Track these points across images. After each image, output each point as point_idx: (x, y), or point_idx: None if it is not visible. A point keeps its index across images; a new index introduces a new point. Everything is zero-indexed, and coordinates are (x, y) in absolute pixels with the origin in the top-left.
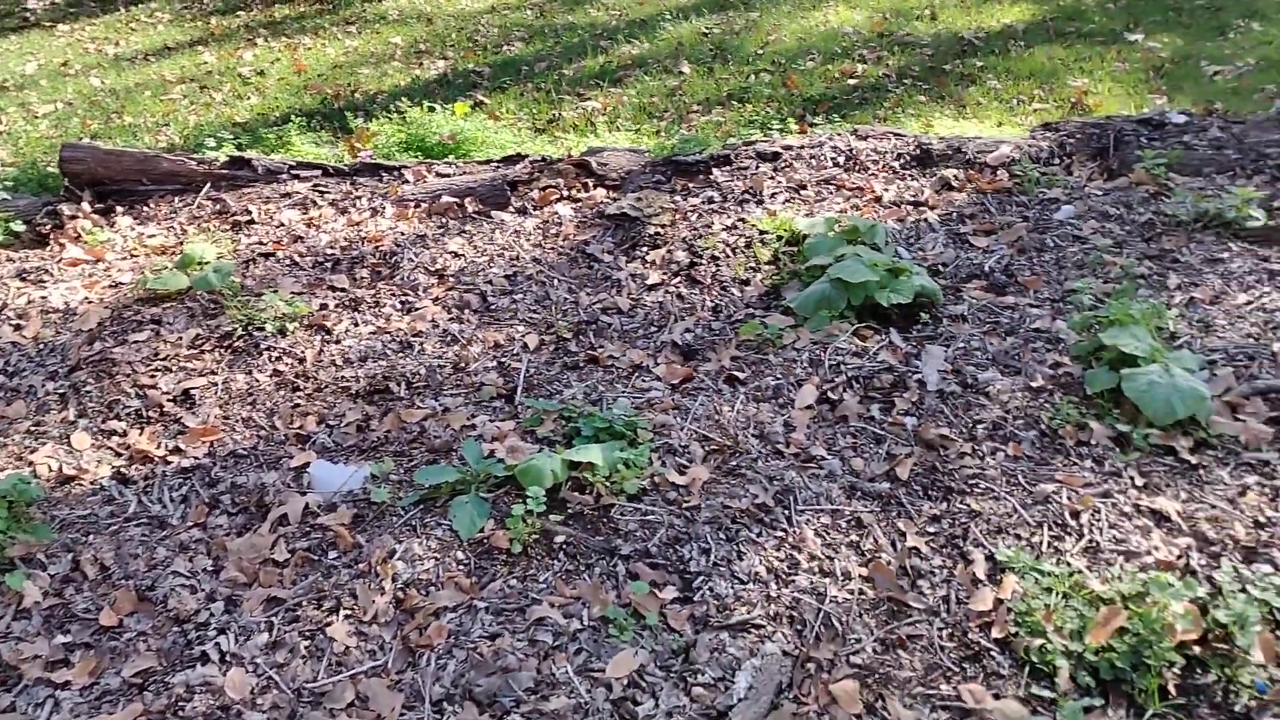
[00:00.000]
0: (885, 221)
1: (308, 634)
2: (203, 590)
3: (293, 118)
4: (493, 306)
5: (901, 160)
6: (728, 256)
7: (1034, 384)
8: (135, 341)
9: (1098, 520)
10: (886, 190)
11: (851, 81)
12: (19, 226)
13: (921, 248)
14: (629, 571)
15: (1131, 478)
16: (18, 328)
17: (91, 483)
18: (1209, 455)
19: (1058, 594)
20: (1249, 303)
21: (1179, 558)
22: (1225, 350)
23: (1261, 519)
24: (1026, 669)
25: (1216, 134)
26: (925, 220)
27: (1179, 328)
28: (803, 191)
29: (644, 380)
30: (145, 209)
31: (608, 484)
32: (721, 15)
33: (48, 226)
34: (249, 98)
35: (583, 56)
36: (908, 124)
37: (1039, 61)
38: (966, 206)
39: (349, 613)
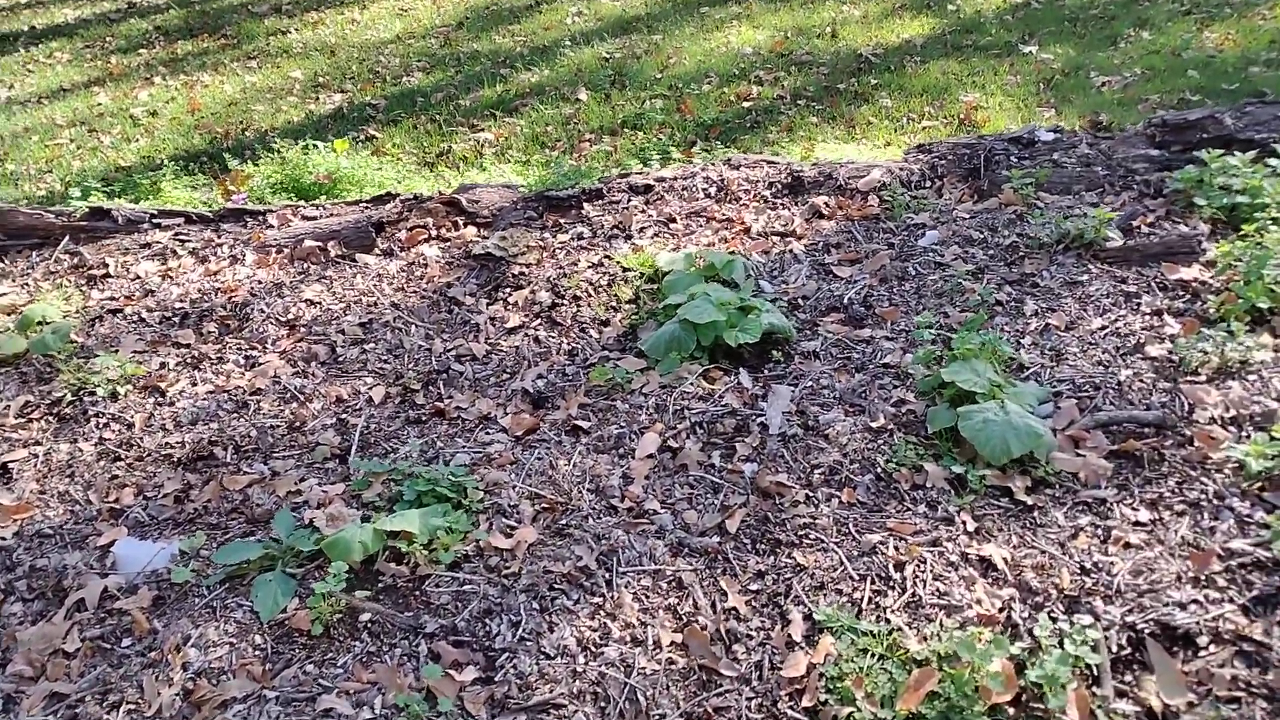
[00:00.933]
0: (751, 254)
1: None
2: None
3: (166, 162)
4: (341, 358)
5: (774, 189)
6: (590, 296)
7: (875, 424)
8: None
9: (922, 572)
10: (756, 220)
11: (746, 104)
12: None
13: (785, 280)
14: (431, 651)
15: (964, 523)
16: None
17: None
18: (1046, 495)
19: (873, 656)
20: (1104, 328)
21: (1001, 610)
22: (1073, 380)
23: (1089, 564)
24: None
25: (1085, 150)
26: (791, 251)
27: (1031, 358)
28: (672, 225)
29: (488, 433)
30: (1, 265)
31: (426, 552)
32: (624, 39)
33: None
34: (138, 140)
35: (482, 86)
36: (794, 148)
37: (932, 77)
38: (834, 235)
39: (133, 707)
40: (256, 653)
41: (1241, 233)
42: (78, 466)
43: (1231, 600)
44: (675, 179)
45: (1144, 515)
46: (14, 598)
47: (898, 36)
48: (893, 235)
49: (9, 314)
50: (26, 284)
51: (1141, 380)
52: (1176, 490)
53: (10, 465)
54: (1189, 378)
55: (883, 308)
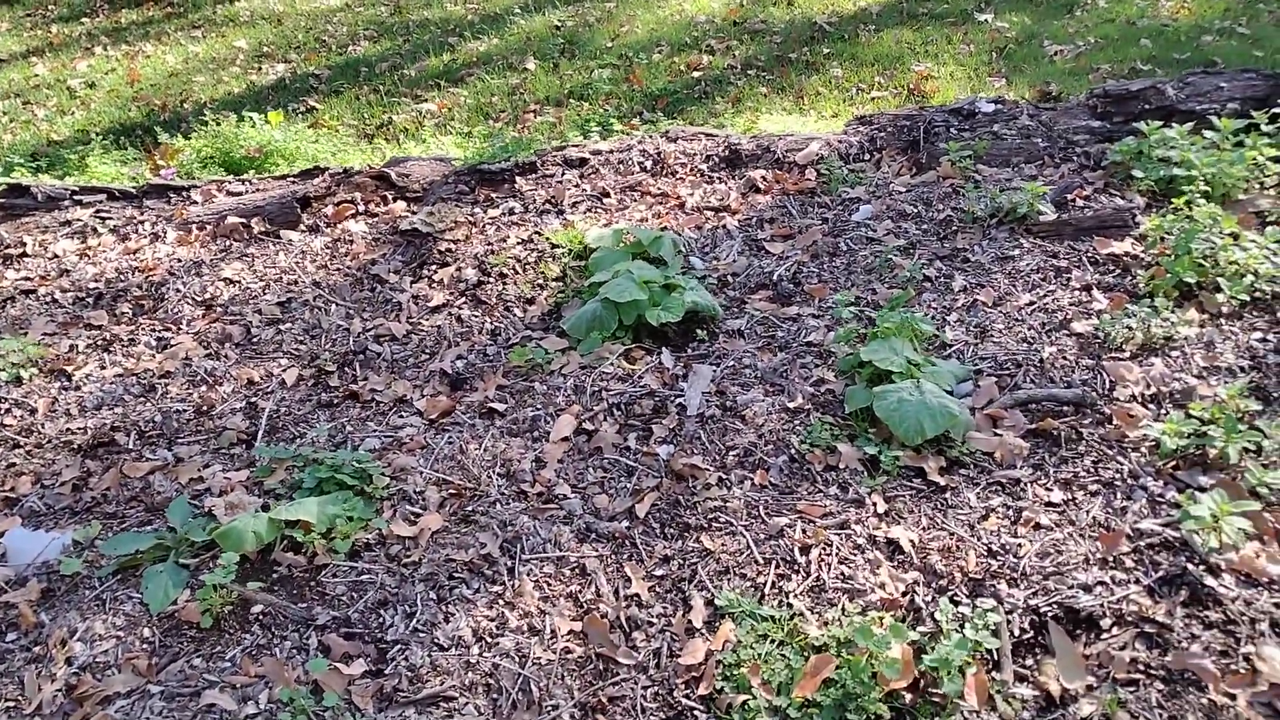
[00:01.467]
0: (683, 229)
1: None
2: None
3: (94, 137)
4: (256, 339)
5: (710, 162)
6: (516, 274)
7: (792, 404)
8: None
9: (828, 555)
10: (692, 195)
11: (696, 74)
12: None
13: (717, 256)
14: (321, 644)
15: (874, 504)
16: None
17: None
18: (960, 475)
19: (773, 642)
20: (1031, 304)
21: (904, 594)
22: (995, 358)
23: (997, 546)
24: None
25: (1026, 122)
26: (724, 226)
27: (955, 335)
28: (606, 200)
29: (402, 416)
30: None
31: (325, 541)
32: (577, 6)
33: None
34: (73, 113)
35: (428, 55)
36: (739, 120)
37: (885, 46)
38: (768, 210)
39: (11, 705)
40: (144, 646)
41: (1173, 206)
42: None
43: (1137, 581)
44: (612, 152)
45: (1057, 495)
46: None
47: (854, 4)
48: (827, 210)
49: None
50: None
51: (1065, 357)
52: (1091, 470)
53: None
54: (1113, 354)
55: (812, 284)
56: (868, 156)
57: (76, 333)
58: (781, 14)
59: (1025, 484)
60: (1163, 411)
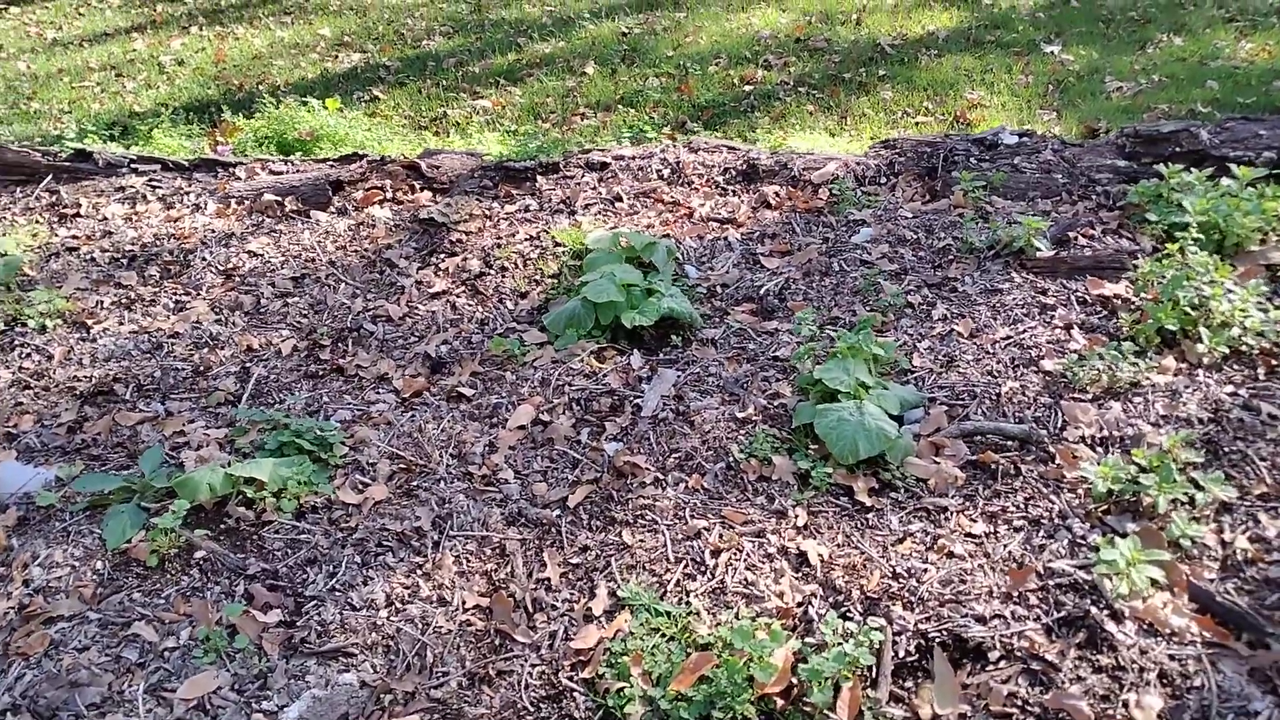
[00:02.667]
0: (686, 238)
1: None
2: None
3: (164, 111)
4: (264, 309)
5: (727, 175)
6: (517, 268)
7: (742, 414)
8: None
9: (737, 560)
10: (703, 205)
11: (748, 88)
12: None
13: (712, 266)
14: (247, 592)
15: (796, 517)
16: None
17: None
18: (889, 498)
19: (663, 636)
20: (1008, 338)
21: (800, 605)
22: (954, 388)
23: (902, 569)
24: (600, 712)
25: (1048, 157)
26: (726, 239)
27: (921, 361)
28: (618, 204)
29: (378, 392)
30: None
31: (275, 500)
32: (648, 14)
33: None
34: (158, 87)
35: (496, 53)
36: (771, 136)
37: (943, 72)
38: (773, 226)
39: None
40: (94, 577)
41: (1165, 251)
42: None
43: (1037, 619)
44: (634, 158)
45: (979, 528)
46: None
47: (922, 28)
48: (831, 230)
49: None
50: (4, 218)
51: (1025, 393)
52: (1021, 506)
53: None
54: (1074, 394)
55: (795, 301)
56: (884, 180)
57: (105, 290)
58: (848, 33)
59: (951, 513)
60: (1108, 455)
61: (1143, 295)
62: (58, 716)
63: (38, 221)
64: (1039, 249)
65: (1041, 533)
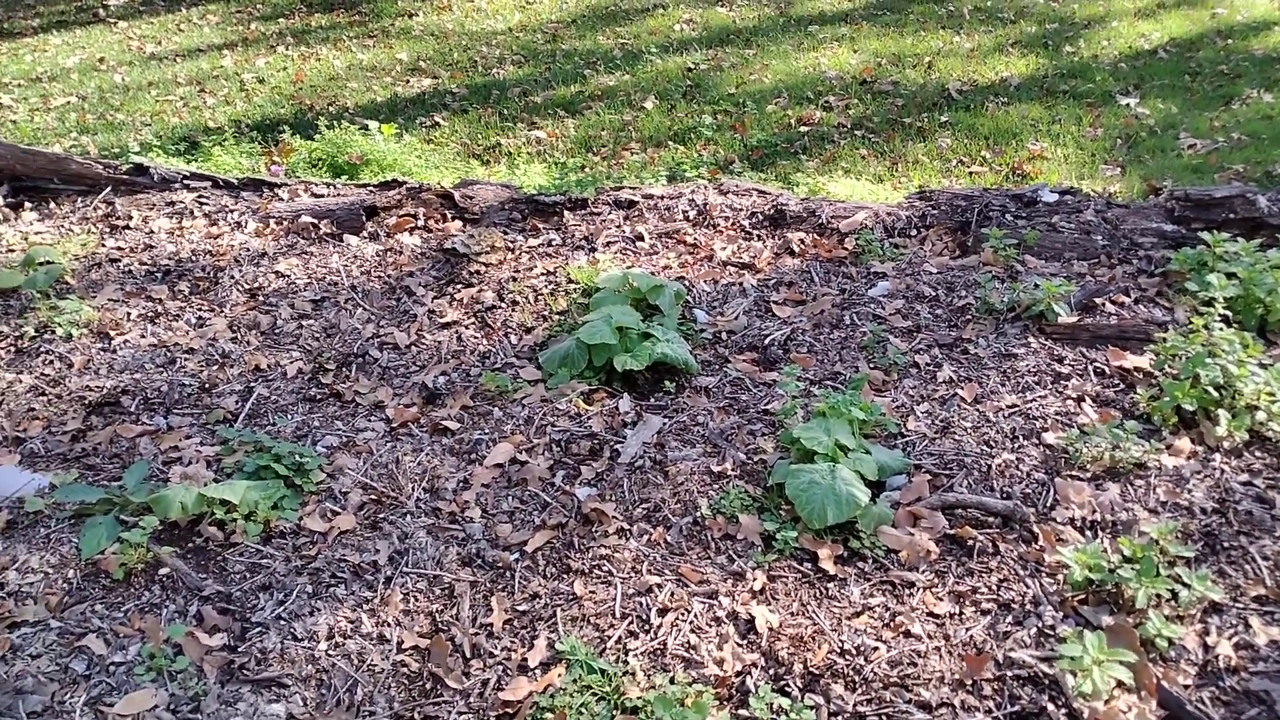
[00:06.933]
0: (701, 281)
1: None
2: None
3: (234, 128)
4: (279, 330)
5: (754, 219)
6: (528, 303)
7: (718, 468)
8: None
9: (683, 621)
10: (724, 249)
11: (804, 129)
12: None
13: (722, 312)
14: (198, 613)
15: (753, 580)
16: None
17: None
18: (855, 567)
19: (593, 694)
20: (1013, 406)
21: (739, 674)
22: (943, 455)
23: (852, 646)
24: None
25: (1089, 217)
26: (742, 284)
27: (915, 425)
28: (639, 243)
29: (369, 420)
30: (50, 206)
31: (245, 522)
32: (716, 50)
33: None
34: (236, 103)
35: (560, 84)
36: (815, 179)
37: (1009, 121)
38: (791, 274)
39: None
40: (64, 585)
41: (1190, 327)
42: (7, 396)
43: (989, 711)
44: (662, 198)
45: (944, 607)
46: None
47: (996, 74)
48: (850, 281)
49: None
50: (62, 226)
51: (1018, 467)
52: (993, 587)
53: None
54: (1072, 472)
55: (799, 353)
56: (914, 232)
57: (135, 302)
58: (917, 77)
59: (918, 589)
60: (1095, 540)
61: (1165, 370)
62: None
63: (90, 231)
64: (1059, 314)
65: (1010, 618)
